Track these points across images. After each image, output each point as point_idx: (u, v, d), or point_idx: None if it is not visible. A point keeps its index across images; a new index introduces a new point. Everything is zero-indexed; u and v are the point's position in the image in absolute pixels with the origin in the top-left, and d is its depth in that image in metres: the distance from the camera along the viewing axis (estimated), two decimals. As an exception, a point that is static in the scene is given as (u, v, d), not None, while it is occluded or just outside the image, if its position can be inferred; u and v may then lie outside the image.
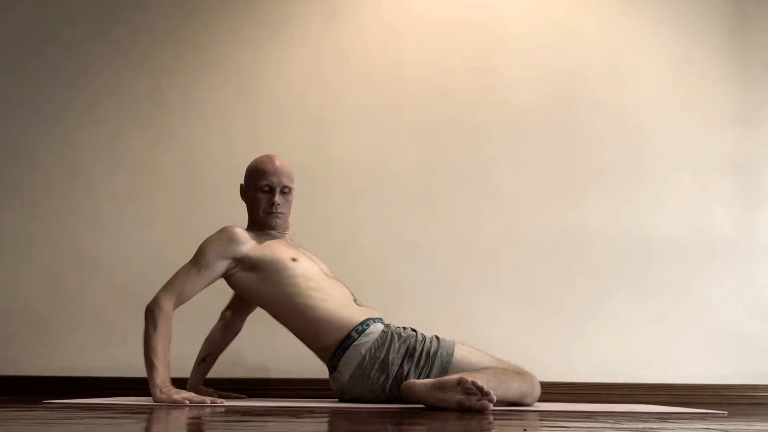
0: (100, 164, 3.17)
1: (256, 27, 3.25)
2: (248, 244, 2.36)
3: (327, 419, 1.64)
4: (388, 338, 2.27)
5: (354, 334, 2.28)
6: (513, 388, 2.20)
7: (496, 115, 3.17)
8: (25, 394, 2.82)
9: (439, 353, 2.25)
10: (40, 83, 3.22)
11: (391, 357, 2.25)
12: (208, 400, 2.15)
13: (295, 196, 2.97)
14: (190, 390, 2.39)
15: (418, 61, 3.21)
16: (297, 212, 3.06)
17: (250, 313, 2.62)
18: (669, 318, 3.03)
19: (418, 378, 2.21)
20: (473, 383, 1.97)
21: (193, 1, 3.27)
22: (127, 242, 3.10)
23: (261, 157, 2.49)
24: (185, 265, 2.33)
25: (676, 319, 3.03)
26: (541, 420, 1.68)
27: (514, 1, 3.26)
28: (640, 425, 1.54)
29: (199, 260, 2.32)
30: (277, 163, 2.44)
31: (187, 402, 2.12)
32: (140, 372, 2.88)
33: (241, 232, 2.37)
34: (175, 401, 2.12)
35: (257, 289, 2.36)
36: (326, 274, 2.44)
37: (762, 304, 3.04)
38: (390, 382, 2.25)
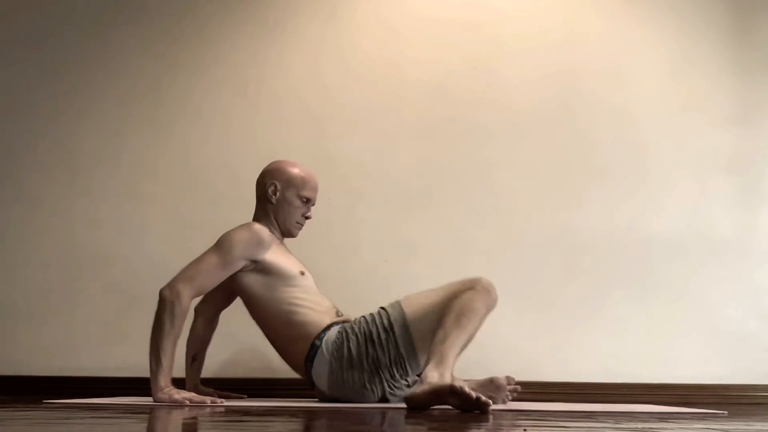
0: (100, 163, 3.17)
1: (255, 26, 3.25)
2: (270, 249, 2.34)
3: (327, 419, 1.64)
4: (344, 336, 2.26)
5: (317, 342, 2.28)
6: (479, 310, 2.17)
7: (496, 115, 3.17)
8: (25, 394, 2.82)
9: (393, 321, 2.23)
10: (39, 82, 3.22)
11: (353, 352, 2.24)
12: (208, 400, 2.15)
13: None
14: (189, 390, 2.39)
15: (418, 61, 3.21)
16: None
17: (227, 306, 2.58)
18: (669, 318, 3.03)
19: (389, 354, 2.21)
20: (462, 391, 1.89)
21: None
22: (127, 241, 3.10)
23: (299, 165, 2.49)
24: (209, 259, 2.26)
25: (675, 319, 3.03)
26: (541, 420, 1.68)
27: (514, 1, 3.26)
28: (640, 425, 1.54)
29: (225, 257, 2.27)
30: (316, 178, 2.50)
31: (188, 402, 2.12)
32: (140, 372, 2.88)
33: (268, 236, 2.34)
34: (175, 401, 2.12)
35: (256, 292, 2.34)
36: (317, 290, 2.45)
37: (761, 304, 3.04)
38: (366, 375, 2.23)
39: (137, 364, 2.94)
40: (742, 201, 3.12)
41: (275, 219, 2.47)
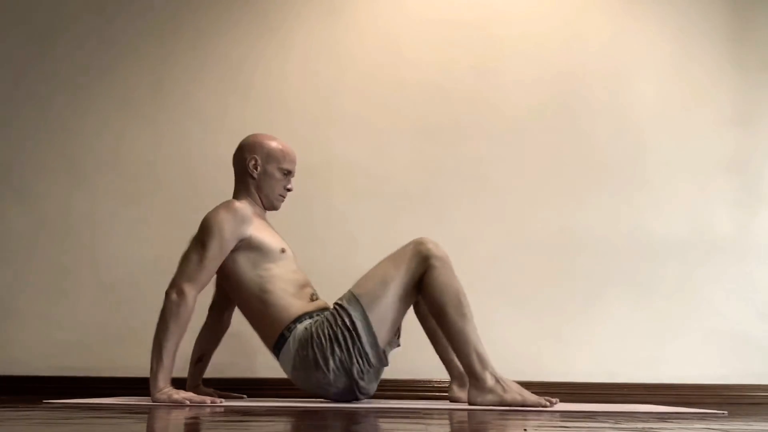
0: (99, 163, 3.17)
1: (255, 27, 3.25)
2: (253, 224, 2.32)
3: (327, 419, 1.64)
4: (310, 335, 2.22)
5: (286, 333, 2.27)
6: (458, 285, 2.21)
7: (495, 115, 3.17)
8: (25, 394, 2.82)
9: (354, 319, 2.18)
10: (39, 82, 3.22)
11: (318, 355, 2.20)
12: (207, 399, 2.15)
13: (296, 196, 2.97)
14: (189, 390, 2.38)
15: (418, 62, 3.21)
16: (297, 212, 3.07)
17: (236, 306, 2.56)
18: (669, 318, 3.03)
19: (356, 353, 2.18)
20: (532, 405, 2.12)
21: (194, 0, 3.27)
22: (127, 241, 3.10)
23: (275, 137, 2.49)
24: (204, 251, 2.23)
25: (675, 319, 3.03)
26: (541, 420, 1.68)
27: (514, 1, 3.26)
28: (640, 425, 1.54)
29: (219, 242, 2.24)
30: (294, 150, 2.50)
31: (188, 402, 2.12)
32: (140, 372, 2.88)
33: (250, 211, 2.32)
34: (175, 401, 2.12)
35: (237, 269, 2.30)
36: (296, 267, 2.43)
37: (761, 304, 3.04)
38: (332, 376, 2.21)
39: (137, 364, 2.94)
40: (742, 201, 3.12)
41: (257, 193, 2.46)
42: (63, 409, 1.83)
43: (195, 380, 2.55)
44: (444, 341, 2.34)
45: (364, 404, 2.20)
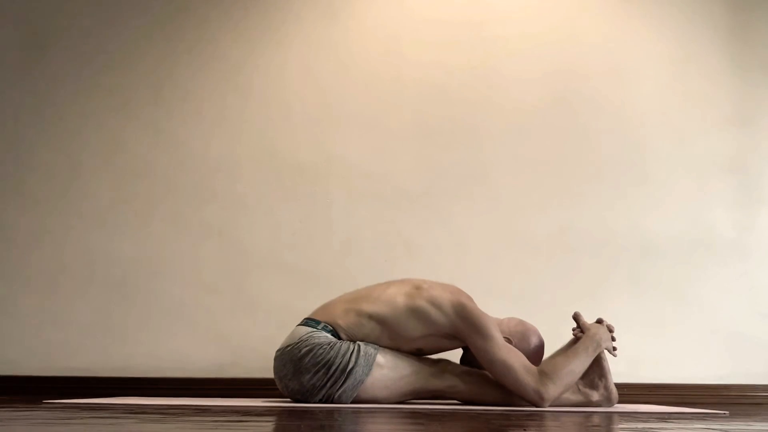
0: (100, 163, 3.16)
1: (255, 27, 3.24)
2: None
3: (328, 420, 1.64)
4: (312, 340, 2.24)
5: (343, 336, 2.29)
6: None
7: (495, 115, 3.17)
8: (25, 394, 2.82)
9: (352, 368, 2.20)
10: (40, 83, 3.22)
11: (305, 360, 2.21)
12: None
13: (295, 196, 2.99)
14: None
15: (418, 62, 3.21)
16: (297, 212, 3.07)
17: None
18: (669, 318, 3.03)
19: (326, 386, 2.20)
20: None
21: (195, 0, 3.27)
22: (127, 242, 3.09)
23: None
24: (504, 347, 2.28)
25: (675, 319, 3.03)
26: (540, 420, 1.68)
27: (514, 1, 3.26)
28: (640, 425, 1.54)
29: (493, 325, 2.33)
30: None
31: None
32: (140, 372, 2.90)
33: None
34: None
35: (416, 332, 2.32)
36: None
37: (761, 304, 3.04)
38: (302, 379, 2.22)
39: (137, 364, 2.95)
40: (742, 201, 3.12)
41: None
42: (63, 409, 1.83)
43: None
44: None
45: (367, 405, 2.20)
